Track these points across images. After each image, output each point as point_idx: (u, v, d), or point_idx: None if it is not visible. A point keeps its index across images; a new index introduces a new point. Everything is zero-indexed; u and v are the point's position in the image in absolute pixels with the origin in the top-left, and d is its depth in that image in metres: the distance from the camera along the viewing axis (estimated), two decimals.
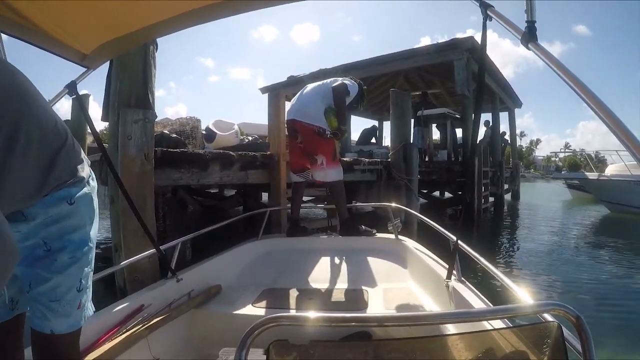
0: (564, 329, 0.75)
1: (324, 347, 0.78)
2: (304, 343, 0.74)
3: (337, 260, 2.81)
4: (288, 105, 3.77)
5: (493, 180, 12.08)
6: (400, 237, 2.98)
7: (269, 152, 4.94)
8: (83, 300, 1.06)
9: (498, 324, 1.08)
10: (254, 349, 0.70)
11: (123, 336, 1.47)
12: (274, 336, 0.72)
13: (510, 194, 16.54)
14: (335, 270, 2.64)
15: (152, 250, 1.96)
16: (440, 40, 11.82)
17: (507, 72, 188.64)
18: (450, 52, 9.76)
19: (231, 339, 0.76)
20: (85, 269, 1.05)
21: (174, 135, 4.85)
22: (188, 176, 4.02)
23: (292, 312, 0.76)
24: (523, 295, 1.27)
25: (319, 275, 2.56)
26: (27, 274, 0.99)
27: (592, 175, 13.54)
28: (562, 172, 20.62)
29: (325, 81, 3.42)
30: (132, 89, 3.15)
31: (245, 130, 7.53)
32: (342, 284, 2.40)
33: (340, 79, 3.35)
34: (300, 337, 0.75)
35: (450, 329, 1.21)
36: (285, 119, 3.40)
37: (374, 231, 3.20)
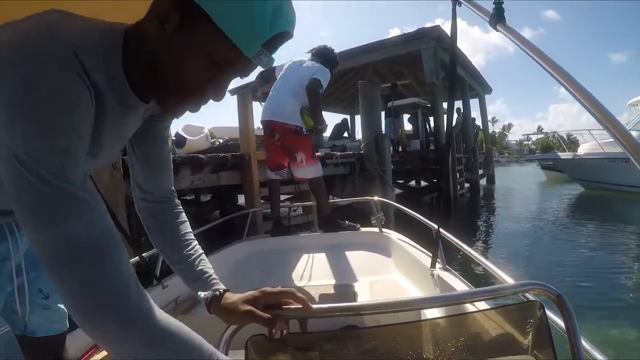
0: (546, 308, 0.74)
1: (301, 339, 0.76)
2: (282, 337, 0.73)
3: (322, 257, 2.80)
4: (255, 107, 3.69)
5: (467, 167, 12.30)
6: (384, 230, 2.97)
7: (239, 153, 4.89)
8: None
9: (481, 306, 1.07)
10: (237, 351, 0.68)
11: None
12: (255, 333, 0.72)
13: (485, 178, 16.85)
14: (321, 267, 2.63)
15: (135, 259, 1.88)
16: (410, 31, 12.03)
17: (478, 59, 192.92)
18: (418, 41, 9.85)
19: (214, 337, 0.73)
20: None
21: None
22: None
23: None
24: (505, 277, 1.28)
25: (306, 273, 2.54)
26: (39, 279, 0.99)
27: (565, 155, 13.81)
28: (536, 154, 20.99)
29: (296, 73, 3.30)
30: None
31: (219, 134, 7.45)
32: (329, 279, 2.38)
33: (312, 70, 3.25)
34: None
35: (434, 314, 1.20)
36: (261, 119, 3.34)
37: (358, 225, 3.19)
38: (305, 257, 2.83)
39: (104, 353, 1.35)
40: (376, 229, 3.00)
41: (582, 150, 13.71)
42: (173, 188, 0.99)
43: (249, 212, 3.48)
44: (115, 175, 3.02)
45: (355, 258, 2.71)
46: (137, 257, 1.88)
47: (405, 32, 10.30)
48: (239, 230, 3.26)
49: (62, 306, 1.02)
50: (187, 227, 0.97)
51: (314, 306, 0.73)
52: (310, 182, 3.35)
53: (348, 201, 4.16)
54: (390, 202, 3.17)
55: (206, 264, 0.95)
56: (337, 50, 3.60)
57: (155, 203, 0.96)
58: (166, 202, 0.97)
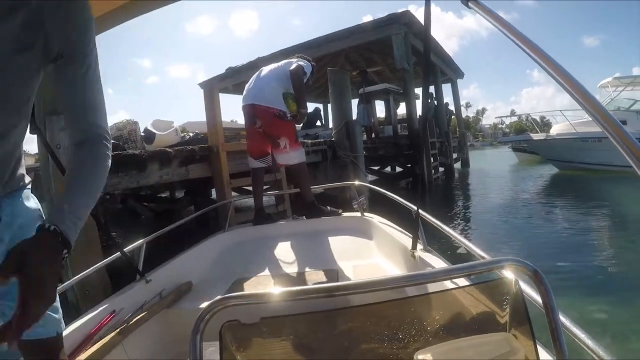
0: (521, 283, 0.74)
1: (276, 322, 0.75)
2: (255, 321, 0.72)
3: (306, 243, 2.80)
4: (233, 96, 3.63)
5: (441, 151, 12.43)
6: (365, 214, 2.98)
7: (207, 145, 4.82)
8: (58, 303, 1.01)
9: (458, 284, 1.06)
10: (211, 342, 0.68)
11: (98, 345, 1.43)
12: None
13: (460, 162, 17.11)
14: (304, 253, 2.63)
15: (117, 254, 1.86)
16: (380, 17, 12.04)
17: (452, 45, 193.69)
18: (388, 27, 9.84)
19: (206, 334, 0.70)
20: None
21: (112, 141, 4.62)
22: (127, 179, 3.85)
23: (244, 292, 0.70)
24: (484, 255, 1.30)
25: (289, 260, 2.55)
26: None
27: (538, 137, 14.01)
28: (510, 137, 21.29)
29: (280, 64, 3.34)
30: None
31: (191, 129, 7.36)
32: (313, 265, 2.39)
33: (295, 60, 3.27)
34: None
35: (413, 293, 1.19)
36: (242, 104, 3.28)
37: (340, 211, 3.19)
38: (288, 244, 2.84)
39: (90, 352, 1.35)
40: (358, 214, 3.02)
41: (554, 131, 13.84)
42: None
43: (229, 202, 3.49)
44: None
45: (338, 243, 2.73)
46: (119, 252, 1.86)
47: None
48: (213, 223, 3.21)
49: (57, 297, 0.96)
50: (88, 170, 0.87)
51: (280, 289, 0.70)
52: (293, 167, 3.32)
53: (328, 187, 4.15)
54: (371, 185, 3.17)
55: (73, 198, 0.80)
56: (309, 38, 3.62)
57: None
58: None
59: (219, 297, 0.68)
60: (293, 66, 3.18)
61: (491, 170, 16.87)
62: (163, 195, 9.11)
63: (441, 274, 0.77)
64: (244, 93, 3.29)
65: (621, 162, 10.99)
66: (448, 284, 1.08)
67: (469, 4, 0.99)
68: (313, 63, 3.44)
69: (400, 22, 9.64)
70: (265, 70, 3.33)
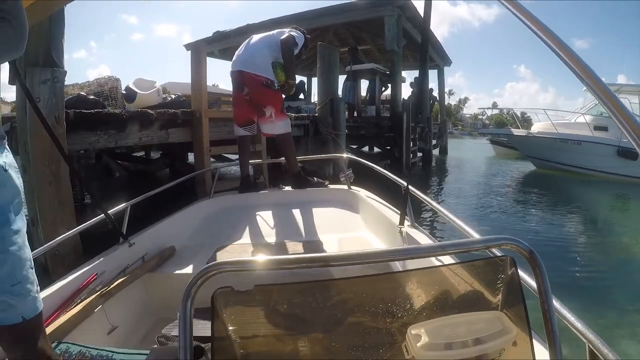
0: (517, 263, 0.73)
1: (269, 290, 0.74)
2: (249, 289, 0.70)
3: (291, 214, 2.78)
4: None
5: (421, 136, 12.53)
6: (352, 187, 2.98)
7: (190, 109, 4.72)
8: (34, 276, 0.94)
9: (450, 260, 1.07)
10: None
11: (79, 307, 1.41)
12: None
13: (438, 149, 17.28)
14: (290, 224, 2.61)
15: (101, 216, 1.83)
16: None
17: (442, 31, 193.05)
18: (382, 8, 9.71)
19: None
20: (26, 240, 0.93)
21: (92, 97, 4.48)
22: (105, 138, 3.76)
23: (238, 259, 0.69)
24: (473, 233, 1.30)
25: (274, 230, 2.53)
26: None
27: (518, 132, 14.10)
28: (490, 129, 21.37)
29: (271, 32, 3.26)
30: (38, 47, 2.86)
31: (172, 90, 7.18)
32: (298, 236, 2.38)
33: (288, 30, 3.21)
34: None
35: (402, 268, 1.20)
36: (231, 69, 3.21)
37: (327, 182, 3.20)
38: (272, 213, 2.81)
39: (59, 322, 1.32)
40: (345, 186, 3.02)
41: (535, 128, 13.84)
42: None
43: (215, 168, 3.47)
44: (57, 130, 2.84)
45: (324, 215, 2.72)
46: (103, 215, 1.83)
47: None
48: (190, 190, 3.17)
49: (33, 280, 0.93)
50: None
51: (273, 257, 0.69)
52: (278, 137, 3.30)
53: (314, 158, 4.14)
54: (360, 159, 3.16)
55: None
56: (300, 9, 3.56)
57: None
58: None
59: (212, 262, 0.66)
60: (284, 35, 3.14)
61: (469, 160, 17.12)
62: (138, 155, 8.94)
63: (437, 250, 0.76)
64: (234, 59, 3.24)
65: (598, 167, 11.26)
66: (442, 261, 1.08)
67: None
68: (308, 35, 3.40)
69: (394, 4, 9.54)
70: (257, 37, 3.28)
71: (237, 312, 0.72)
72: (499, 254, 0.82)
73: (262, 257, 0.68)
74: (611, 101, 0.63)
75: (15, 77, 1.51)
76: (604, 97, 0.63)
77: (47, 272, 2.86)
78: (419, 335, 0.70)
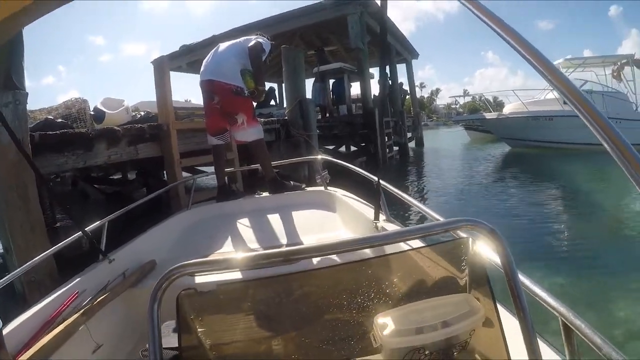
0: (479, 243, 0.74)
1: (232, 288, 0.74)
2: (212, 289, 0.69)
3: (270, 219, 2.78)
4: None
5: (396, 130, 12.67)
6: (329, 187, 3.00)
7: (157, 123, 4.68)
8: None
9: (416, 245, 1.06)
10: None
11: (61, 327, 1.37)
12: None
13: (414, 141, 17.49)
14: (269, 229, 2.61)
15: (79, 234, 1.81)
16: None
17: (409, 26, 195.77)
18: (344, 6, 9.79)
19: (171, 312, 0.67)
20: None
21: (60, 120, 4.41)
22: (73, 159, 3.70)
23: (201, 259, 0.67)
24: (438, 217, 1.33)
25: (254, 236, 2.52)
26: None
27: (490, 116, 14.35)
28: (463, 116, 21.66)
29: (238, 40, 3.26)
30: None
31: (144, 109, 7.08)
32: (277, 240, 2.38)
33: (254, 37, 3.21)
34: None
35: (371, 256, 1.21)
36: (200, 79, 3.20)
37: (304, 185, 3.21)
38: (251, 220, 2.80)
39: (41, 344, 1.27)
40: (321, 188, 3.03)
41: (507, 110, 14.18)
42: None
43: (192, 179, 3.43)
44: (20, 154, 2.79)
45: (303, 217, 2.73)
46: (80, 232, 1.80)
47: None
48: (165, 205, 3.13)
49: None
50: None
51: (236, 256, 0.67)
52: (251, 144, 3.29)
53: (288, 162, 4.15)
54: (333, 159, 3.17)
55: None
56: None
57: None
58: None
59: (176, 265, 0.65)
60: (252, 42, 3.14)
61: (445, 149, 17.36)
62: (115, 177, 8.81)
63: (396, 236, 0.76)
64: (202, 68, 3.23)
65: (570, 139, 11.54)
66: (406, 247, 1.05)
67: None
68: (272, 42, 3.41)
69: (357, 2, 9.64)
70: (224, 46, 3.27)
71: (203, 313, 0.72)
72: (464, 235, 0.82)
73: (225, 257, 0.67)
74: (576, 97, 0.60)
75: None
76: (567, 92, 0.62)
77: (25, 299, 2.82)
78: (385, 324, 0.71)
